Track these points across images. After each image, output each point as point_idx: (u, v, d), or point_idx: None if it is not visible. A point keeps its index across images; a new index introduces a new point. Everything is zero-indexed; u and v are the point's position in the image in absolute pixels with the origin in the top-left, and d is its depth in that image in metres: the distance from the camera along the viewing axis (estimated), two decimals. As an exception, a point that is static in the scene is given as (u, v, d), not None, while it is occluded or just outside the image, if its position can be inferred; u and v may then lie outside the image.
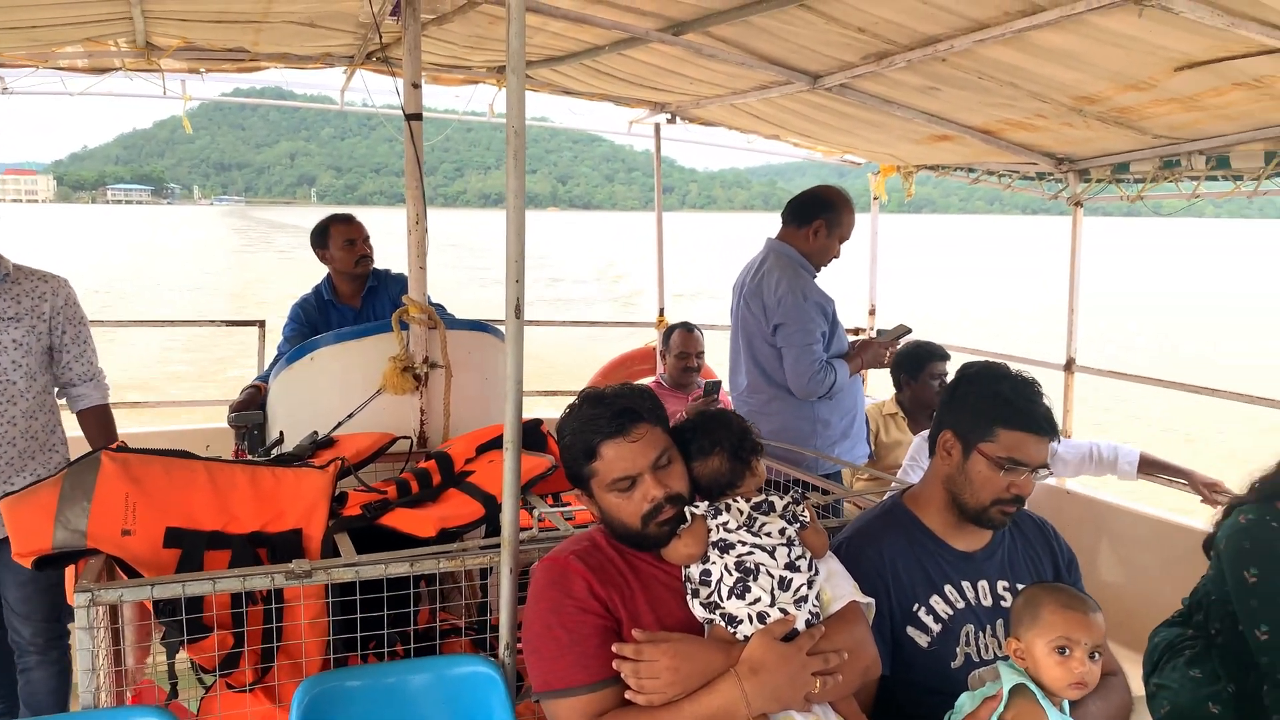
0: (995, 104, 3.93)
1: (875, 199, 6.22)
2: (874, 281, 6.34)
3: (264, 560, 2.28)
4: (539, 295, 29.33)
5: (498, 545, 2.14)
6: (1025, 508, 3.73)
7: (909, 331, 4.09)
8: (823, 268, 3.89)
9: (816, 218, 3.80)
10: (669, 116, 5.77)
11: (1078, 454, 4.28)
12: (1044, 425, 2.09)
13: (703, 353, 5.35)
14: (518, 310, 2.00)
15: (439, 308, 3.56)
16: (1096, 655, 1.82)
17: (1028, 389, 2.11)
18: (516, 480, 2.06)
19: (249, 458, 3.49)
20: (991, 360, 2.27)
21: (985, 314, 25.42)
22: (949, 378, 3.60)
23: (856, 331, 5.96)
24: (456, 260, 39.00)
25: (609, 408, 1.90)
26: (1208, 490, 3.96)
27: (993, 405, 2.12)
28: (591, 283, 36.26)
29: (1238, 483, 3.18)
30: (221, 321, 6.89)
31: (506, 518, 2.08)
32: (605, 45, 4.32)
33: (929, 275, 38.77)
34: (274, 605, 2.19)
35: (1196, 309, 29.69)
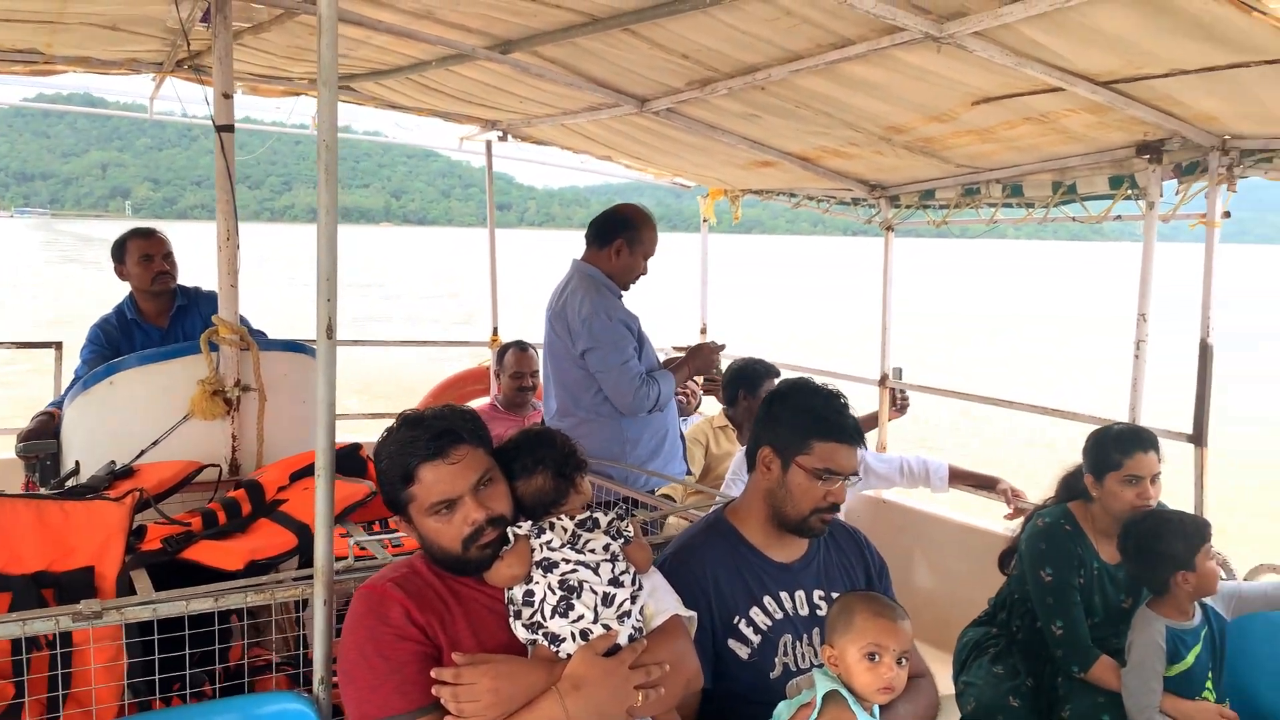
0: (812, 132, 4.11)
1: (704, 221, 6.37)
2: (705, 301, 6.49)
3: (50, 602, 2.10)
4: (372, 313, 28.53)
5: (310, 577, 2.05)
6: (840, 517, 3.90)
7: (723, 346, 4.25)
8: (629, 286, 3.88)
9: (616, 237, 3.79)
10: (500, 134, 5.74)
11: (890, 468, 4.50)
12: (854, 435, 2.21)
13: (537, 372, 5.30)
14: (329, 330, 1.93)
15: (258, 333, 3.40)
16: (904, 660, 1.90)
17: (836, 402, 2.22)
18: (329, 508, 1.99)
19: (39, 491, 3.23)
20: (801, 377, 2.36)
21: (811, 332, 26.55)
22: None
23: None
24: (292, 275, 37.45)
25: (427, 430, 1.86)
26: (1011, 497, 4.23)
27: (807, 420, 2.21)
28: (428, 300, 35.58)
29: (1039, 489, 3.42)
30: (12, 343, 6.32)
31: (319, 548, 2.00)
32: (432, 61, 4.26)
33: (758, 295, 40.27)
34: (60, 650, 2.02)
35: (999, 324, 32.01)
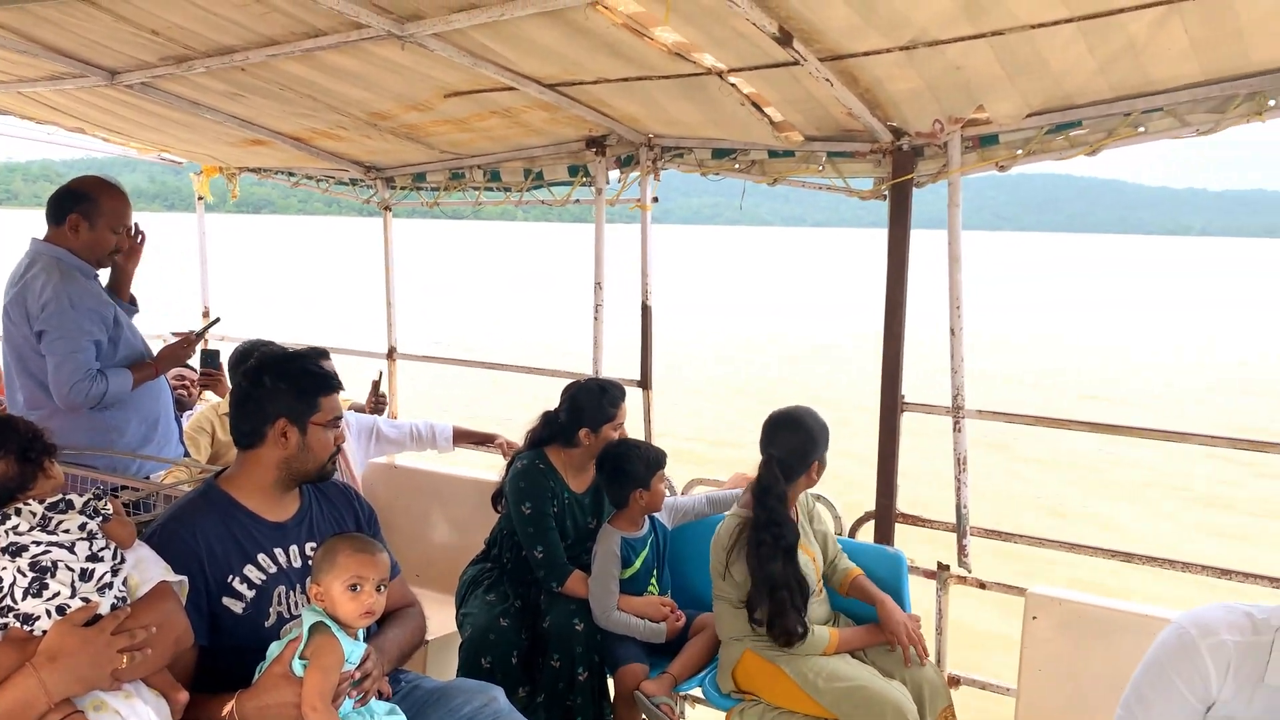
0: (299, 114, 4.21)
1: (200, 199, 6.13)
2: (205, 283, 6.24)
3: None
4: None
5: None
6: (359, 483, 4.09)
7: (217, 320, 4.20)
8: (105, 262, 3.66)
9: (70, 212, 3.55)
10: (-62, 100, 5.02)
11: (401, 433, 4.78)
12: (339, 380, 2.50)
13: None
14: None
15: None
16: (383, 588, 2.18)
17: (318, 356, 2.46)
18: None
19: None
20: (271, 347, 2.56)
21: (321, 311, 26.56)
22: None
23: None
24: None
25: None
26: (507, 449, 4.72)
27: (309, 382, 2.43)
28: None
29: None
30: None
31: None
32: None
33: (270, 275, 38.98)
34: None
35: (493, 294, 35.19)
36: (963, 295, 3.45)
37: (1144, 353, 24.53)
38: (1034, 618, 3.27)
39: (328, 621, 2.10)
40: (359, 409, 4.77)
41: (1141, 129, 3.10)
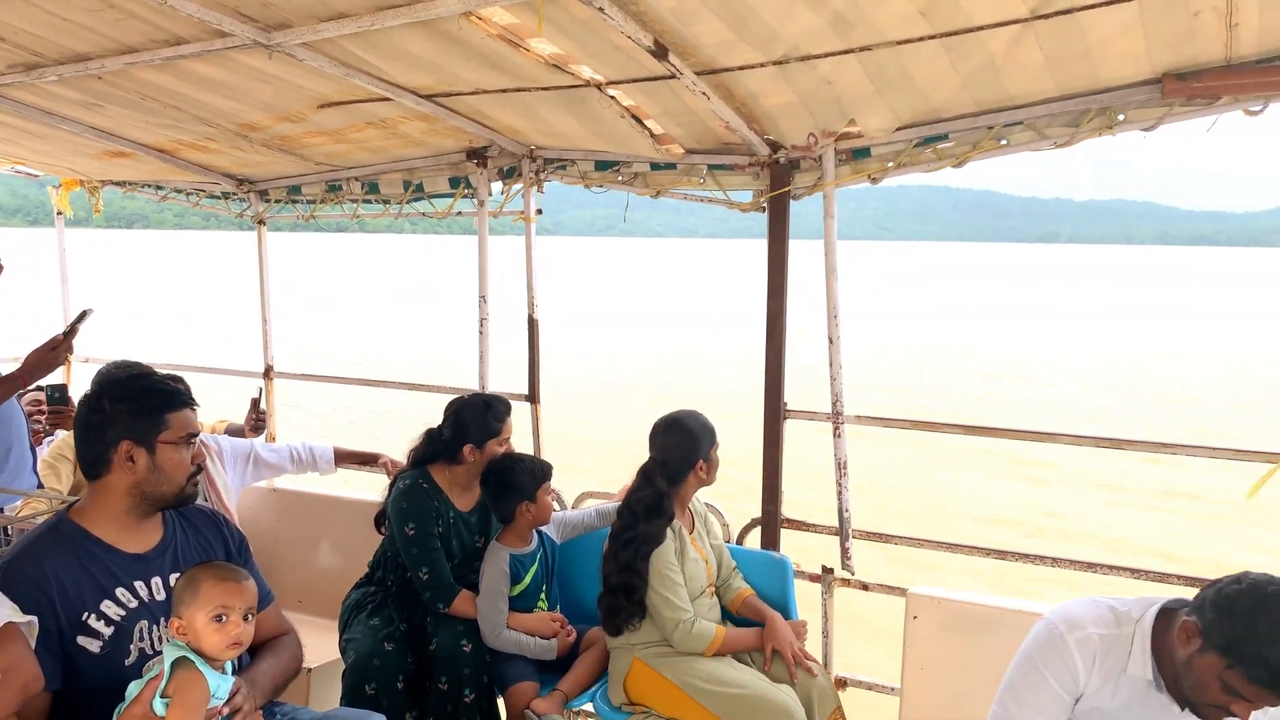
0: (164, 125, 4.03)
1: (59, 214, 5.81)
2: (67, 303, 5.92)
3: None
4: None
5: None
6: (233, 510, 3.93)
7: (89, 312, 3.87)
8: None
9: None
10: None
11: (280, 457, 4.61)
12: (188, 395, 2.38)
13: None
14: None
15: None
16: (250, 617, 2.09)
17: (156, 373, 2.36)
18: None
19: None
20: (108, 366, 2.43)
21: (195, 329, 25.73)
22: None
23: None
24: None
25: None
26: (390, 469, 4.61)
27: (152, 400, 2.32)
28: None
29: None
30: None
31: None
32: None
33: (141, 293, 37.62)
34: None
35: (372, 308, 34.98)
36: (840, 304, 3.53)
37: (1022, 357, 25.63)
38: (915, 617, 3.35)
39: (191, 656, 2.00)
40: (236, 431, 4.59)
41: (1004, 141, 3.23)
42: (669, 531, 3.24)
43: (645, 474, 3.32)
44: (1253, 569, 2.14)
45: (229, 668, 2.08)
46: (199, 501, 2.51)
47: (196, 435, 2.35)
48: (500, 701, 3.42)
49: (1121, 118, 3.05)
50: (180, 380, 2.38)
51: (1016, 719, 2.31)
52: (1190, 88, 2.89)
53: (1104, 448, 3.47)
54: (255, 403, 4.69)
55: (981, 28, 2.62)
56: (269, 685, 2.33)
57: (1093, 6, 2.49)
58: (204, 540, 2.46)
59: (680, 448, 3.31)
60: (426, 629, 3.44)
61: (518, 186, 4.13)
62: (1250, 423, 16.48)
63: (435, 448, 3.62)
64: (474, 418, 3.55)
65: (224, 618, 2.03)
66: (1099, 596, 2.38)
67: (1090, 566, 3.36)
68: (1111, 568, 3.31)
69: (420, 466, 3.61)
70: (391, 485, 3.68)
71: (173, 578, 2.34)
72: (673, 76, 2.91)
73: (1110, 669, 2.27)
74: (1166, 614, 2.25)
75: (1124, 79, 2.95)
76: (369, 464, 4.60)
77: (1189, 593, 2.31)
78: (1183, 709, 2.20)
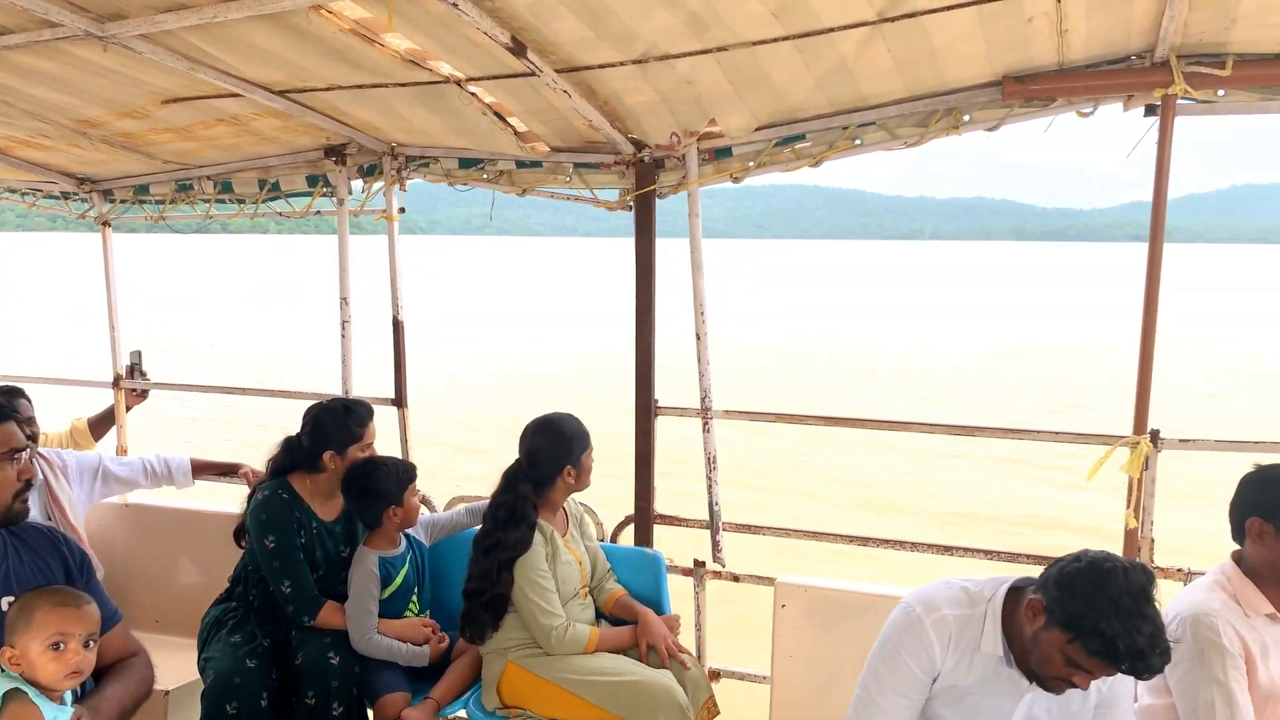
0: (-9, 120, 3.78)
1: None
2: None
3: None
4: None
5: None
6: (80, 529, 3.72)
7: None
8: None
9: None
10: None
11: (133, 471, 4.37)
12: (10, 406, 2.29)
13: None
14: None
15: None
16: (91, 644, 1.97)
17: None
18: None
19: None
20: None
21: (44, 336, 24.31)
22: None
23: None
24: None
25: None
26: (252, 479, 4.43)
27: None
28: None
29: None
30: None
31: None
32: None
33: None
34: None
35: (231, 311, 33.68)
36: (706, 301, 3.58)
37: (888, 350, 26.56)
38: (783, 606, 3.42)
39: (24, 687, 1.87)
40: (93, 424, 4.39)
41: (858, 141, 3.34)
42: (539, 535, 3.21)
43: (508, 478, 3.28)
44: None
45: (68, 698, 1.96)
46: (37, 520, 2.36)
47: (21, 450, 2.21)
48: (370, 713, 3.33)
49: (967, 118, 3.18)
50: (10, 392, 2.23)
51: (877, 700, 2.39)
52: (1027, 89, 3.05)
53: (957, 435, 3.63)
54: (131, 369, 4.52)
55: (832, 29, 2.69)
56: (115, 711, 2.21)
57: (935, 11, 2.59)
58: (40, 561, 2.31)
59: (549, 451, 3.27)
60: (291, 643, 3.32)
61: (379, 185, 4.03)
62: (1096, 407, 17.49)
63: (294, 456, 3.50)
64: (334, 423, 3.45)
65: (62, 645, 1.91)
66: (953, 578, 2.48)
67: (947, 550, 3.50)
68: (967, 550, 3.46)
69: (279, 476, 3.49)
70: (250, 497, 3.54)
71: (5, 602, 2.19)
72: (533, 74, 2.89)
73: (965, 647, 2.36)
74: (1015, 592, 2.35)
75: (968, 80, 3.08)
76: (229, 474, 4.42)
77: (1037, 571, 2.42)
78: (1030, 682, 2.30)
